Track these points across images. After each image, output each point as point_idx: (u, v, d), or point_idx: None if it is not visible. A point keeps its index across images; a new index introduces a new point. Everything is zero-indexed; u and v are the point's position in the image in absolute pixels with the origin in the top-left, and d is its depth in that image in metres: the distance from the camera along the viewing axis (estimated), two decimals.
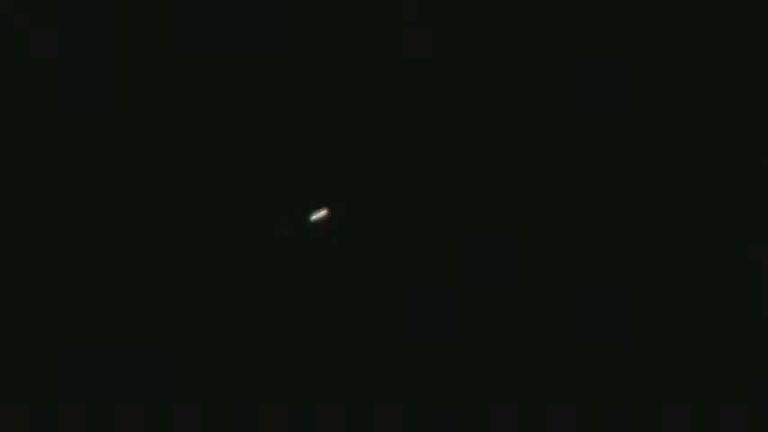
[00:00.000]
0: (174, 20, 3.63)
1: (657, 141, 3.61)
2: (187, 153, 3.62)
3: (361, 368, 3.53)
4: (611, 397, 3.47)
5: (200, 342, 3.53)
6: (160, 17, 3.62)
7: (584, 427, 3.45)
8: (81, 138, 3.61)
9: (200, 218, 3.60)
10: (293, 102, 3.65)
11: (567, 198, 3.60)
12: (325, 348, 3.54)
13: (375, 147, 3.64)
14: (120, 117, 3.62)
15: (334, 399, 3.50)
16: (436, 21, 3.64)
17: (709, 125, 3.60)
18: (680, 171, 3.59)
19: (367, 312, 3.57)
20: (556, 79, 3.63)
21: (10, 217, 3.56)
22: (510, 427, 3.45)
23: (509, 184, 3.61)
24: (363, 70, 3.65)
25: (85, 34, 3.62)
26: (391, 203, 3.62)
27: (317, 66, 3.64)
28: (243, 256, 3.59)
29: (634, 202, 3.59)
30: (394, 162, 3.63)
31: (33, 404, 3.46)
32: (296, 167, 3.64)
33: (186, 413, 3.48)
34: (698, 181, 3.58)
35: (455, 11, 3.63)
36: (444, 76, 3.65)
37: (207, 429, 3.47)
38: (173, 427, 3.46)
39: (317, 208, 3.38)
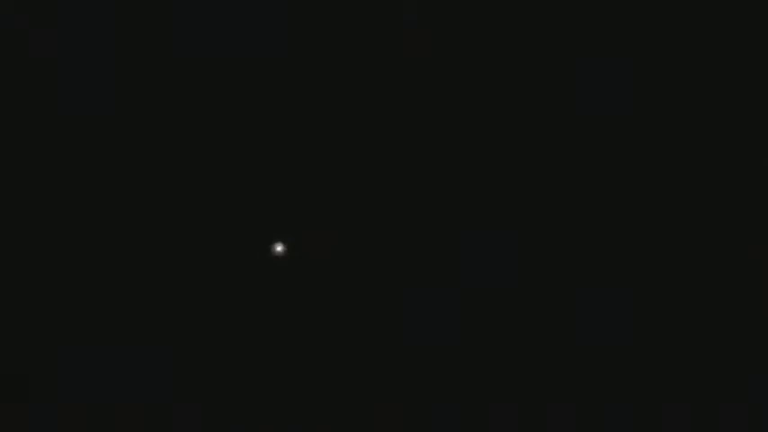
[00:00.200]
0: (174, 19, 3.63)
1: (657, 141, 3.61)
2: (187, 153, 3.63)
3: (361, 368, 3.53)
4: (611, 397, 3.47)
5: (200, 342, 3.53)
6: (160, 16, 3.63)
7: (585, 427, 3.45)
8: (81, 138, 3.61)
9: (199, 218, 3.60)
10: (293, 101, 3.65)
11: (566, 198, 3.60)
12: (325, 348, 3.55)
13: (375, 147, 3.64)
14: (120, 117, 3.62)
15: (334, 399, 3.50)
16: (436, 21, 3.64)
17: (709, 125, 3.61)
18: (680, 171, 3.59)
19: (366, 313, 3.57)
20: (555, 79, 3.63)
21: (9, 217, 3.56)
22: (510, 427, 3.46)
23: (509, 183, 3.61)
24: (363, 70, 3.65)
25: (85, 34, 3.62)
26: (390, 204, 3.62)
27: (316, 66, 3.65)
28: (242, 256, 3.59)
29: (634, 201, 3.59)
30: (393, 162, 3.63)
31: (33, 404, 3.46)
32: (294, 166, 3.64)
33: (186, 413, 3.48)
34: (698, 180, 3.58)
35: (455, 11, 3.63)
36: (444, 76, 3.65)
37: (207, 429, 3.47)
38: (173, 427, 3.46)
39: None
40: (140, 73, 3.63)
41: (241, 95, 3.65)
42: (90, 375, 3.49)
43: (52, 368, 3.50)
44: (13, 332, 3.50)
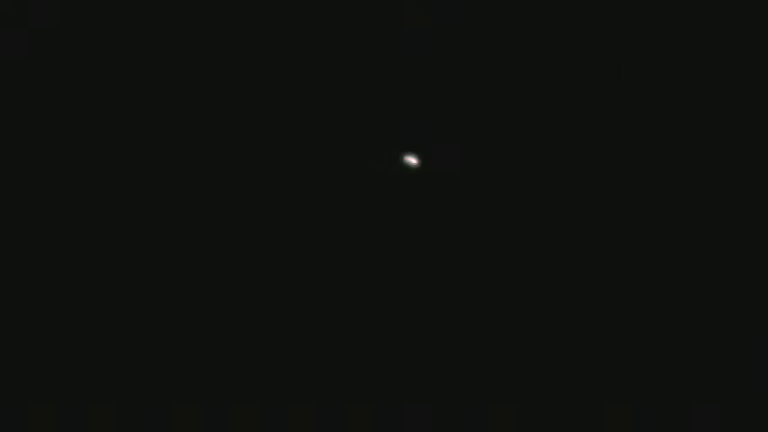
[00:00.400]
0: (173, 18, 3.63)
1: (658, 141, 3.61)
2: (185, 152, 3.62)
3: (362, 368, 3.53)
4: (611, 397, 3.47)
5: (200, 342, 3.53)
6: (157, 15, 3.63)
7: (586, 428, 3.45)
8: (78, 137, 3.61)
9: (199, 218, 3.60)
10: (294, 101, 3.65)
11: (566, 197, 3.60)
12: (325, 349, 3.55)
13: (376, 146, 3.64)
14: (120, 116, 3.62)
15: (335, 399, 3.50)
16: (437, 21, 3.64)
17: (709, 125, 3.61)
18: (680, 170, 3.60)
19: (364, 313, 3.57)
20: (555, 78, 3.64)
21: (7, 217, 3.57)
22: (510, 427, 3.46)
23: (509, 183, 3.62)
24: (363, 70, 3.65)
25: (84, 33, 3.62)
26: (390, 205, 3.62)
27: (317, 66, 3.65)
28: (243, 255, 3.59)
29: (634, 201, 3.59)
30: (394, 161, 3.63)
31: (32, 404, 3.46)
32: (293, 168, 3.64)
33: (186, 413, 3.48)
34: (697, 180, 3.59)
35: (456, 11, 3.63)
36: (444, 76, 3.65)
37: (207, 429, 3.47)
38: (173, 427, 3.46)
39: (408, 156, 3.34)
40: (140, 72, 3.63)
41: (241, 95, 3.65)
42: (89, 375, 3.49)
43: (52, 368, 3.49)
44: (12, 332, 3.50)
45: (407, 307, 3.57)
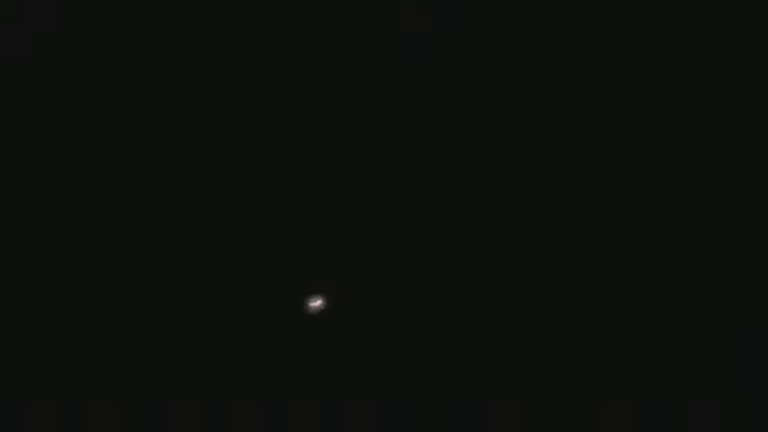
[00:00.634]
0: (173, 18, 3.63)
1: (658, 140, 3.61)
2: (185, 152, 3.62)
3: (362, 368, 3.53)
4: (611, 397, 3.47)
5: (200, 342, 3.53)
6: (157, 16, 3.62)
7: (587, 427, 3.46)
8: (77, 136, 3.61)
9: (199, 218, 3.60)
10: (295, 101, 3.65)
11: (567, 199, 3.60)
12: (325, 349, 3.55)
13: (378, 146, 3.64)
14: (120, 116, 3.62)
15: (335, 399, 3.50)
16: (437, 21, 3.64)
17: (710, 125, 3.61)
18: (680, 170, 3.60)
19: (364, 313, 3.57)
20: (555, 78, 3.64)
21: (7, 217, 3.56)
22: (510, 427, 3.46)
23: (509, 183, 3.62)
24: (363, 70, 3.65)
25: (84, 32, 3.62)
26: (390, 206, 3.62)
27: (317, 65, 3.65)
28: (243, 255, 3.59)
29: (634, 201, 3.59)
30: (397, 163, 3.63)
31: (32, 404, 3.46)
32: (292, 167, 3.64)
33: (186, 413, 3.48)
34: (697, 180, 3.59)
35: (456, 11, 3.63)
36: (445, 76, 3.65)
37: (207, 429, 3.47)
38: (173, 427, 3.46)
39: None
40: (140, 72, 3.63)
41: (242, 95, 3.65)
42: (89, 375, 3.49)
43: (51, 368, 3.49)
44: (12, 332, 3.50)
45: (407, 307, 3.57)
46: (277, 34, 3.65)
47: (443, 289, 3.57)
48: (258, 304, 3.57)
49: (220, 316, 3.55)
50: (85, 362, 3.50)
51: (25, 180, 3.58)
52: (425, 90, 3.64)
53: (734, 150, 3.59)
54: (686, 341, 3.50)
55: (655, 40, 3.63)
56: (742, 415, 3.42)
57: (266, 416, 3.48)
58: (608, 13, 3.63)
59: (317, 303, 3.22)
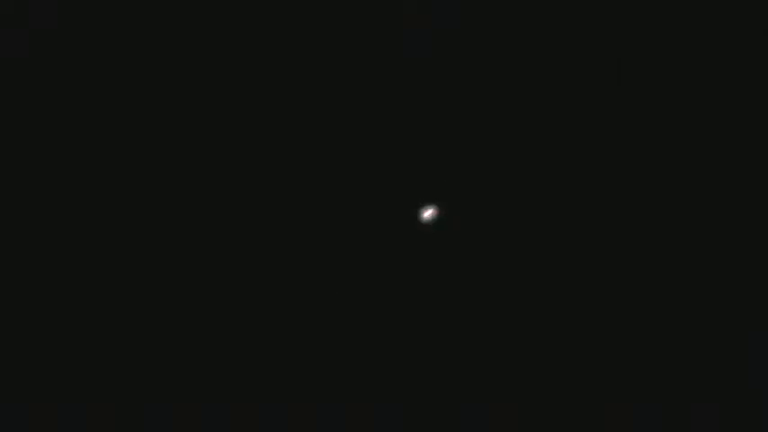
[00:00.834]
0: (174, 18, 3.63)
1: (657, 140, 3.61)
2: (185, 152, 3.62)
3: (362, 368, 3.53)
4: (611, 397, 3.47)
5: (200, 342, 3.53)
6: (158, 16, 3.62)
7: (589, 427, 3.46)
8: (78, 137, 3.61)
9: (199, 217, 3.60)
10: (295, 101, 3.65)
11: (566, 200, 3.60)
12: (325, 349, 3.55)
13: (376, 148, 3.64)
14: (120, 116, 3.62)
15: (335, 399, 3.50)
16: (437, 21, 3.64)
17: (709, 125, 3.61)
18: (680, 170, 3.60)
19: (363, 313, 3.57)
20: (556, 79, 3.64)
21: (7, 216, 3.56)
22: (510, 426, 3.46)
23: (510, 182, 3.62)
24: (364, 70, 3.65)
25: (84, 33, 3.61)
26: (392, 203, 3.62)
27: (316, 65, 3.65)
28: (243, 255, 3.59)
29: (634, 201, 3.59)
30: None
31: (32, 404, 3.46)
32: (292, 169, 3.64)
33: (186, 413, 3.48)
34: (697, 180, 3.59)
35: (456, 11, 3.63)
36: (446, 76, 3.65)
37: (207, 429, 3.47)
38: (173, 427, 3.46)
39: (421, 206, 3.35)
40: (140, 73, 3.63)
41: (242, 95, 3.65)
42: (89, 375, 3.49)
43: (51, 368, 3.49)
44: (12, 332, 3.50)
45: (407, 307, 3.57)
46: (277, 34, 3.65)
47: (443, 289, 3.57)
48: (258, 304, 3.56)
49: (220, 316, 3.55)
50: (85, 362, 3.50)
51: (25, 180, 3.58)
52: (425, 90, 3.64)
53: (734, 150, 3.59)
54: (686, 341, 3.50)
55: (655, 40, 3.63)
56: (742, 415, 3.42)
57: (266, 416, 3.48)
58: (608, 14, 3.63)
59: (429, 212, 3.15)
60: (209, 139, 3.63)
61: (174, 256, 3.57)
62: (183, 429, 3.46)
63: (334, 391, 3.50)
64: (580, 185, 3.60)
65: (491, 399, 3.48)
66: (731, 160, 3.58)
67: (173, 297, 3.55)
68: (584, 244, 3.58)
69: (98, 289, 3.54)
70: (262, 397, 3.49)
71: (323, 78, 3.65)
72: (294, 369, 3.52)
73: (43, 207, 3.57)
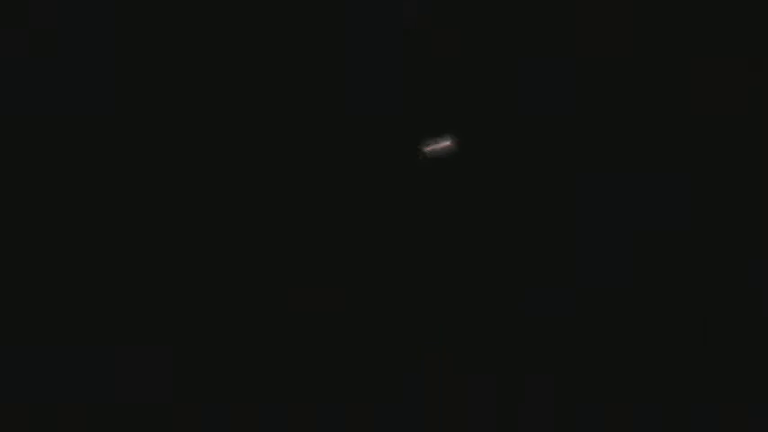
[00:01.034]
0: (175, 20, 3.63)
1: (658, 139, 3.61)
2: (186, 154, 3.63)
3: (362, 368, 3.53)
4: (611, 397, 3.48)
5: (200, 342, 3.54)
6: (160, 18, 3.63)
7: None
8: (81, 138, 3.61)
9: (201, 219, 3.61)
10: (294, 101, 3.66)
11: (566, 199, 3.60)
12: (325, 349, 3.55)
13: (377, 147, 3.64)
14: (120, 117, 3.62)
15: (335, 399, 3.50)
16: (437, 21, 3.64)
17: (710, 124, 3.61)
18: (680, 170, 3.60)
19: (364, 313, 3.57)
20: (557, 79, 3.64)
21: (9, 217, 3.57)
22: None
23: (510, 182, 3.62)
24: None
25: (85, 33, 3.62)
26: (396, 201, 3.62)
27: (316, 65, 3.65)
28: (243, 255, 3.59)
29: (634, 202, 3.59)
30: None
31: (31, 404, 3.46)
32: (294, 165, 3.64)
33: (186, 413, 3.48)
34: (697, 180, 3.59)
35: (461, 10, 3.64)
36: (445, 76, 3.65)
37: (207, 429, 3.47)
38: (173, 427, 3.47)
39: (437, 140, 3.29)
40: (140, 73, 3.63)
41: (242, 96, 3.65)
42: (89, 375, 3.50)
43: (51, 368, 3.50)
44: (13, 332, 3.50)
45: (407, 307, 3.57)
46: (276, 34, 3.66)
47: (443, 289, 3.57)
48: (259, 305, 3.57)
49: (220, 316, 3.56)
50: (85, 362, 3.50)
51: (26, 180, 3.59)
52: (426, 92, 3.64)
53: (734, 150, 3.59)
54: (686, 341, 3.50)
55: (656, 40, 3.63)
56: (742, 415, 3.42)
57: (266, 416, 3.48)
58: (608, 13, 3.63)
59: (441, 145, 3.11)
60: (207, 138, 3.63)
61: (174, 256, 3.57)
62: (183, 429, 3.46)
63: (334, 391, 3.51)
64: (581, 185, 3.61)
65: (493, 398, 3.49)
66: (731, 160, 3.59)
67: (173, 297, 3.55)
68: (584, 244, 3.58)
69: (97, 289, 3.54)
70: (262, 397, 3.50)
71: (322, 78, 3.66)
72: (294, 369, 3.53)
73: (44, 207, 3.57)
